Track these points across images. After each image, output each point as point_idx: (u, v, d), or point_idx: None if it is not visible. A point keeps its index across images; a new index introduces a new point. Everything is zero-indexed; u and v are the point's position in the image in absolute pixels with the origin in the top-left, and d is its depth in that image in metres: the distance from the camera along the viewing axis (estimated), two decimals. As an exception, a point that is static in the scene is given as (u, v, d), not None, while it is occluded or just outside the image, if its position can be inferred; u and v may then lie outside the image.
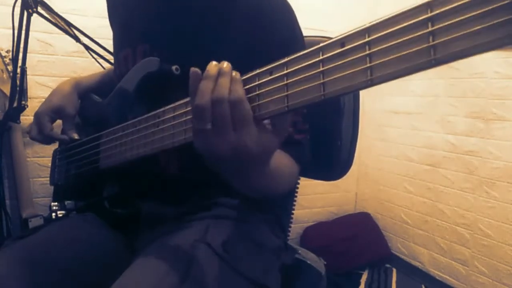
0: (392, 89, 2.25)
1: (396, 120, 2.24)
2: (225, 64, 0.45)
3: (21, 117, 1.53)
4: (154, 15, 0.73)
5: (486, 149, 1.78)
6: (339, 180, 0.90)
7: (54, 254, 0.64)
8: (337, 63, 0.36)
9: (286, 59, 0.41)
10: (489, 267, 1.77)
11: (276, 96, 0.42)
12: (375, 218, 2.40)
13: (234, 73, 0.44)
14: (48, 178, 1.00)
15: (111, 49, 1.51)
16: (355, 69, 0.35)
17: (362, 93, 0.87)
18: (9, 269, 0.58)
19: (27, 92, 1.49)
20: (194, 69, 0.45)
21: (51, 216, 0.81)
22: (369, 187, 2.47)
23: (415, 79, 2.10)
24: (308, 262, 0.85)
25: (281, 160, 0.59)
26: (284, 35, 0.65)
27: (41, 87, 1.68)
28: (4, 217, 1.54)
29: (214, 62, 0.45)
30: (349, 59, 0.36)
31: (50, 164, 0.99)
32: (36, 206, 1.56)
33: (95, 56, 1.48)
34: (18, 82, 1.38)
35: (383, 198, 2.36)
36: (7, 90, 1.41)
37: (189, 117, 0.52)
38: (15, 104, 1.43)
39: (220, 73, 0.44)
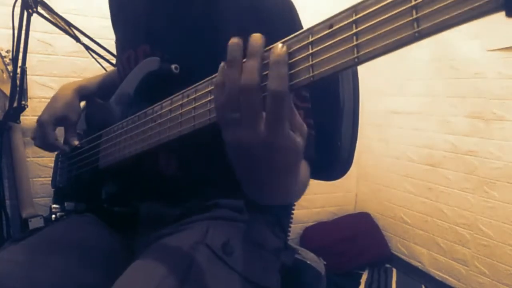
0: (392, 89, 2.26)
1: (396, 120, 2.24)
2: (255, 40, 0.40)
3: (21, 117, 1.53)
4: (155, 16, 0.73)
5: (486, 149, 1.78)
6: (339, 180, 0.90)
7: (54, 255, 0.64)
8: (325, 45, 0.37)
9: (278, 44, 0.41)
10: (489, 267, 1.77)
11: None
12: (375, 218, 2.40)
13: (277, 51, 0.38)
14: (48, 178, 1.00)
15: (111, 49, 1.53)
16: (342, 49, 0.36)
17: (362, 93, 0.87)
18: (9, 270, 0.58)
19: (27, 92, 1.49)
20: (222, 63, 0.42)
21: (51, 217, 0.81)
22: (369, 187, 2.47)
23: (415, 79, 2.10)
24: (308, 262, 0.85)
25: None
26: (284, 31, 0.64)
27: (41, 87, 1.68)
28: (4, 217, 1.54)
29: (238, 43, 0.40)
30: (336, 39, 0.36)
31: (50, 164, 0.99)
32: (36, 206, 1.56)
33: (95, 56, 1.48)
34: (18, 82, 1.39)
35: (383, 198, 2.36)
36: (7, 90, 1.41)
37: (185, 109, 0.52)
38: (15, 104, 1.43)
39: (249, 54, 0.39)
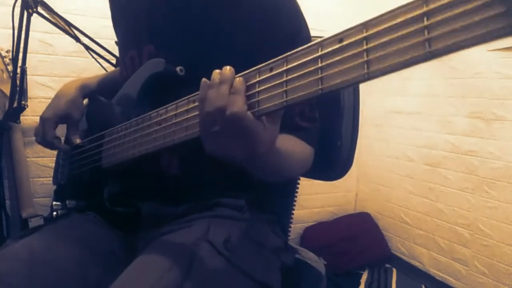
0: (392, 89, 2.26)
1: (396, 120, 2.24)
2: (227, 70, 0.46)
3: (21, 117, 1.53)
4: (158, 16, 0.72)
5: (486, 149, 1.78)
6: (339, 180, 0.90)
7: (55, 252, 0.64)
8: (335, 59, 0.37)
9: (286, 55, 0.42)
10: (489, 267, 1.77)
11: (275, 92, 0.43)
12: (375, 218, 2.40)
13: (236, 81, 0.45)
14: (48, 178, 1.00)
15: (111, 49, 1.53)
16: (352, 64, 0.36)
17: (362, 93, 0.87)
18: (11, 268, 0.59)
19: (27, 92, 1.49)
20: (204, 79, 0.48)
21: (51, 215, 0.81)
22: (369, 187, 2.47)
23: (415, 79, 2.10)
24: (308, 262, 0.85)
25: (289, 141, 0.60)
26: (289, 30, 0.64)
27: (41, 87, 1.68)
28: (4, 217, 1.54)
29: (217, 70, 0.47)
30: (346, 54, 0.36)
31: (50, 164, 0.99)
32: (36, 206, 1.56)
33: (95, 56, 1.48)
34: (18, 82, 1.39)
35: (383, 198, 2.36)
36: (7, 90, 1.41)
37: (191, 115, 0.53)
38: (15, 104, 1.43)
39: (221, 81, 0.46)
